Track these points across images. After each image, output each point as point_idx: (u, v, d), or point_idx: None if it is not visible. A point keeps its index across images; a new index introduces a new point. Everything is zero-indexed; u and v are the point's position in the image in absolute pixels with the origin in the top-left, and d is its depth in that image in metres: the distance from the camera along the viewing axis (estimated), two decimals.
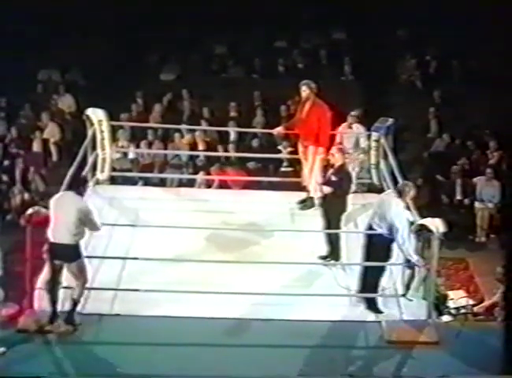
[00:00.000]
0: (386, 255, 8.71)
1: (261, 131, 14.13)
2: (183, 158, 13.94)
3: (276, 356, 8.05)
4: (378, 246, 8.68)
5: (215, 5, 15.54)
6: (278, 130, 11.03)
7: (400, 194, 8.72)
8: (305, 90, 10.26)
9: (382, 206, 8.73)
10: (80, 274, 8.19)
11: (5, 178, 13.70)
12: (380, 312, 8.74)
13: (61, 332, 8.19)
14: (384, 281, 8.87)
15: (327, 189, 9.44)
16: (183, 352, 8.05)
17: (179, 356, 7.98)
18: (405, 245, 8.43)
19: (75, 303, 8.28)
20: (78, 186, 8.39)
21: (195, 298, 8.63)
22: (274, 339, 8.23)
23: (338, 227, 9.43)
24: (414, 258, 8.46)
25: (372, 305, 8.78)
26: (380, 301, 8.84)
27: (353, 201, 9.83)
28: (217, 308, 8.58)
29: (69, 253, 8.10)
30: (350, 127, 12.59)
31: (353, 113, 12.59)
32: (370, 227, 8.81)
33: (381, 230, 8.61)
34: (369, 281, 8.76)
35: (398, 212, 8.52)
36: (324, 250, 9.46)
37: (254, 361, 7.95)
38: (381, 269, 8.77)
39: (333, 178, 9.44)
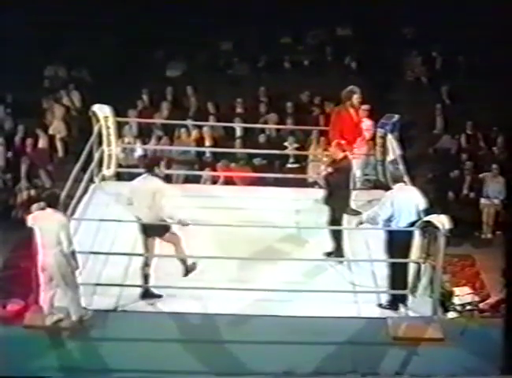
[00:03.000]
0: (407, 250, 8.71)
1: (269, 126, 14.12)
2: (190, 154, 13.92)
3: (282, 352, 8.06)
4: (400, 242, 8.68)
5: (220, 2, 15.51)
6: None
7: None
8: (358, 98, 10.29)
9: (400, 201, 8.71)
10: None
11: (11, 174, 13.71)
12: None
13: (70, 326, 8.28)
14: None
15: (326, 183, 9.47)
16: (187, 348, 8.07)
17: (183, 352, 8.02)
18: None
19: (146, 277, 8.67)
20: None
21: (200, 293, 8.64)
22: (280, 335, 8.25)
23: (342, 223, 9.43)
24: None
25: (396, 302, 8.80)
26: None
27: (358, 197, 9.81)
28: (222, 304, 8.60)
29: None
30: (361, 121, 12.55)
31: (364, 107, 12.54)
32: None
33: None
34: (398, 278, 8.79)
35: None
36: (329, 246, 9.46)
37: (259, 358, 7.96)
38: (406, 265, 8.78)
39: (333, 172, 9.47)
